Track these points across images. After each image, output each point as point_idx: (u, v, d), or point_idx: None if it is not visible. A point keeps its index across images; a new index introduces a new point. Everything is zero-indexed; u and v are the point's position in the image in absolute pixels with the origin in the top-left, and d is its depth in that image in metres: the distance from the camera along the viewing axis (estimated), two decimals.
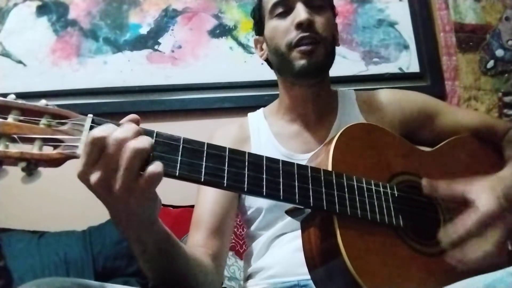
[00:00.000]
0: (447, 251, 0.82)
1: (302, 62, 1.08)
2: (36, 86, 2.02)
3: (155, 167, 0.65)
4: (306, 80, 1.14)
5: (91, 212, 1.70)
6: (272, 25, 1.14)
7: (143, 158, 0.64)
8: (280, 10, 1.12)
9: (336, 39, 1.20)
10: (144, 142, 0.64)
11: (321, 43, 1.09)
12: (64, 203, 1.85)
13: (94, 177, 0.64)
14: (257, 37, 1.25)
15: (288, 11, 1.11)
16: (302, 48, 1.08)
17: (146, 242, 0.77)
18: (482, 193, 0.84)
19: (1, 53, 2.06)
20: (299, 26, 1.08)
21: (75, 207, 1.80)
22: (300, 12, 1.08)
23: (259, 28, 1.22)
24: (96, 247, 1.69)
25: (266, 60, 1.24)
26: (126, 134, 0.64)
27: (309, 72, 1.10)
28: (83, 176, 0.65)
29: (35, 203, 1.82)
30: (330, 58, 1.15)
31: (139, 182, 0.65)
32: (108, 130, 0.64)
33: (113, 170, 0.64)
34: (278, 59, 1.15)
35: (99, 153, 0.63)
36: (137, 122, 0.70)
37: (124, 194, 0.65)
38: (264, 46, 1.21)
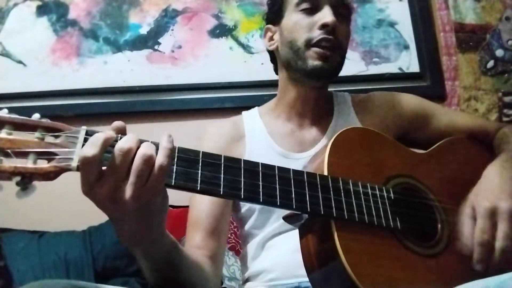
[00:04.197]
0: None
1: (316, 63, 1.08)
2: (36, 86, 2.03)
3: (161, 161, 0.65)
4: (313, 82, 1.14)
5: (91, 212, 1.69)
6: (295, 18, 1.13)
7: (152, 164, 0.64)
8: (306, 5, 1.12)
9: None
10: (151, 148, 0.65)
11: (338, 51, 1.10)
12: (64, 203, 1.85)
13: (100, 192, 0.64)
14: (269, 25, 1.24)
15: (314, 9, 1.11)
16: (320, 50, 1.08)
17: (154, 256, 0.77)
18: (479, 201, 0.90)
19: (1, 53, 2.07)
20: (324, 27, 1.08)
21: (75, 207, 1.79)
22: (328, 14, 1.08)
23: (274, 17, 1.21)
24: (96, 247, 1.70)
25: (271, 52, 1.24)
26: (130, 144, 0.64)
27: (319, 75, 1.10)
28: (89, 194, 0.65)
29: (35, 203, 1.82)
30: (341, 66, 1.16)
31: (147, 184, 0.65)
32: (95, 149, 0.62)
33: (120, 181, 0.64)
34: (291, 53, 1.14)
35: (97, 170, 0.63)
36: (123, 130, 0.69)
37: (133, 204, 0.65)
38: (276, 36, 1.20)
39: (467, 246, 0.87)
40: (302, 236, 0.86)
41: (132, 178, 0.64)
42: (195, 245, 1.06)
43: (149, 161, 0.64)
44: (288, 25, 1.15)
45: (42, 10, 2.13)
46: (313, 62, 1.09)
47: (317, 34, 1.08)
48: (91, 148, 0.62)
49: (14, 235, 1.73)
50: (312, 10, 1.11)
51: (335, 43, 1.09)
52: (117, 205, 0.65)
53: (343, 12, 1.13)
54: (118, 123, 0.69)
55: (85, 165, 0.62)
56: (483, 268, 0.84)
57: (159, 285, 0.85)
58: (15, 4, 2.12)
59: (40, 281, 0.71)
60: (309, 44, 1.09)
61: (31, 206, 1.83)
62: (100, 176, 0.64)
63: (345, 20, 1.14)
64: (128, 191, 0.64)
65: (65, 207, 1.86)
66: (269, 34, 1.23)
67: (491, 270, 0.83)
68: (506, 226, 0.85)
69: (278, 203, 0.76)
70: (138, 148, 0.65)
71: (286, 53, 1.16)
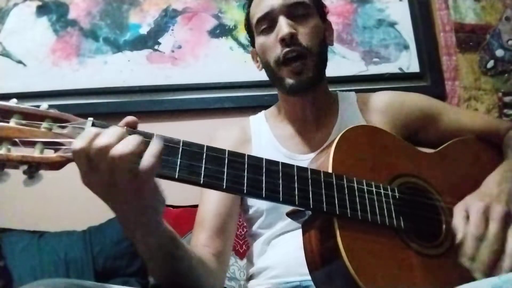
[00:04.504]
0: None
1: (291, 81, 1.10)
2: (36, 86, 2.02)
3: (147, 159, 0.65)
4: (298, 96, 1.15)
5: (91, 212, 1.70)
6: (260, 41, 1.15)
7: (132, 159, 0.64)
8: (264, 25, 1.13)
9: (328, 40, 1.21)
10: (129, 144, 0.64)
11: (308, 57, 1.09)
12: (64, 203, 1.85)
13: (94, 182, 0.66)
14: (253, 49, 1.26)
15: (272, 25, 1.12)
16: (290, 67, 1.09)
17: (151, 244, 0.77)
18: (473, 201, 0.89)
19: (1, 53, 2.06)
20: (282, 41, 1.08)
21: (75, 207, 1.80)
22: (282, 27, 1.08)
23: (251, 41, 1.24)
24: (96, 247, 1.70)
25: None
26: (108, 140, 0.64)
27: (299, 90, 1.11)
28: (85, 183, 0.67)
29: (35, 203, 1.82)
30: (320, 68, 1.15)
31: (138, 177, 0.65)
32: (88, 139, 0.64)
33: (108, 174, 0.65)
34: (269, 74, 1.17)
35: (87, 162, 0.64)
36: (134, 124, 0.70)
37: (128, 194, 0.66)
38: (259, 58, 1.22)
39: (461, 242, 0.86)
40: (304, 233, 0.86)
41: (115, 173, 0.65)
42: (201, 243, 1.06)
43: (125, 158, 0.64)
44: (258, 49, 1.18)
45: (42, 10, 2.13)
46: (288, 81, 1.10)
47: (280, 50, 1.09)
48: (78, 141, 0.64)
49: (14, 235, 1.72)
50: (270, 28, 1.12)
51: (300, 50, 1.08)
52: (111, 196, 0.67)
53: (300, 12, 1.12)
54: (129, 118, 0.71)
55: (75, 156, 0.64)
56: (471, 266, 0.82)
57: (161, 280, 0.85)
58: (15, 4, 2.12)
59: (41, 280, 0.71)
60: (278, 63, 1.10)
61: (31, 206, 1.83)
62: (91, 169, 0.65)
63: (308, 17, 1.13)
64: (118, 183, 0.66)
65: (65, 207, 1.86)
66: (255, 56, 1.26)
67: (477, 271, 0.82)
68: (497, 227, 0.84)
69: (281, 199, 0.76)
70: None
71: (267, 74, 1.19)
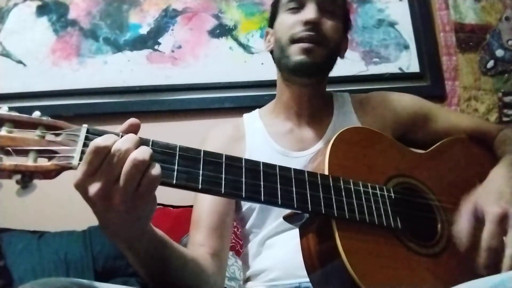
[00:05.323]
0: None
1: (299, 58, 1.09)
2: (36, 86, 2.03)
3: (155, 170, 0.64)
4: (300, 78, 1.15)
5: (91, 212, 1.70)
6: (282, 18, 1.16)
7: (143, 169, 0.63)
8: (292, 5, 1.14)
9: (341, 49, 1.21)
10: (145, 153, 0.63)
11: (322, 45, 1.10)
12: (64, 203, 1.84)
13: (94, 187, 0.63)
14: (268, 28, 1.27)
15: (300, 7, 1.13)
16: (302, 44, 1.09)
17: (138, 249, 0.77)
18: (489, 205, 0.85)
19: (1, 53, 2.07)
20: (306, 24, 1.09)
21: (75, 207, 1.78)
22: (310, 11, 1.10)
23: (272, 19, 1.24)
24: (96, 247, 1.70)
25: (271, 52, 1.25)
26: (128, 145, 0.63)
27: (303, 70, 1.11)
28: (81, 186, 0.64)
29: (35, 203, 1.82)
30: (328, 62, 1.16)
31: (138, 190, 0.64)
32: (110, 140, 0.63)
33: (113, 181, 0.63)
34: (278, 51, 1.16)
35: (101, 163, 0.63)
36: (137, 127, 0.69)
37: (123, 205, 0.64)
38: (272, 38, 1.22)
39: (464, 243, 0.84)
40: (302, 235, 0.86)
41: (121, 181, 0.63)
42: (197, 242, 1.06)
43: (139, 165, 0.63)
44: (277, 25, 1.18)
45: (42, 10, 2.13)
46: (295, 57, 1.10)
47: (300, 30, 1.10)
48: (102, 139, 0.62)
49: (14, 235, 1.73)
50: (298, 9, 1.13)
51: (318, 38, 1.10)
52: (105, 205, 0.65)
53: (330, 8, 1.14)
54: (132, 120, 0.69)
55: (93, 153, 0.62)
56: (490, 273, 0.79)
57: (155, 283, 0.85)
58: (15, 4, 2.12)
59: (41, 279, 0.71)
60: (292, 40, 1.11)
61: (31, 206, 1.83)
62: (96, 172, 0.63)
63: (333, 16, 1.14)
64: (118, 193, 0.64)
65: (65, 207, 1.85)
66: (268, 36, 1.26)
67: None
68: None
69: (280, 203, 0.76)
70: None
71: (276, 52, 1.18)
